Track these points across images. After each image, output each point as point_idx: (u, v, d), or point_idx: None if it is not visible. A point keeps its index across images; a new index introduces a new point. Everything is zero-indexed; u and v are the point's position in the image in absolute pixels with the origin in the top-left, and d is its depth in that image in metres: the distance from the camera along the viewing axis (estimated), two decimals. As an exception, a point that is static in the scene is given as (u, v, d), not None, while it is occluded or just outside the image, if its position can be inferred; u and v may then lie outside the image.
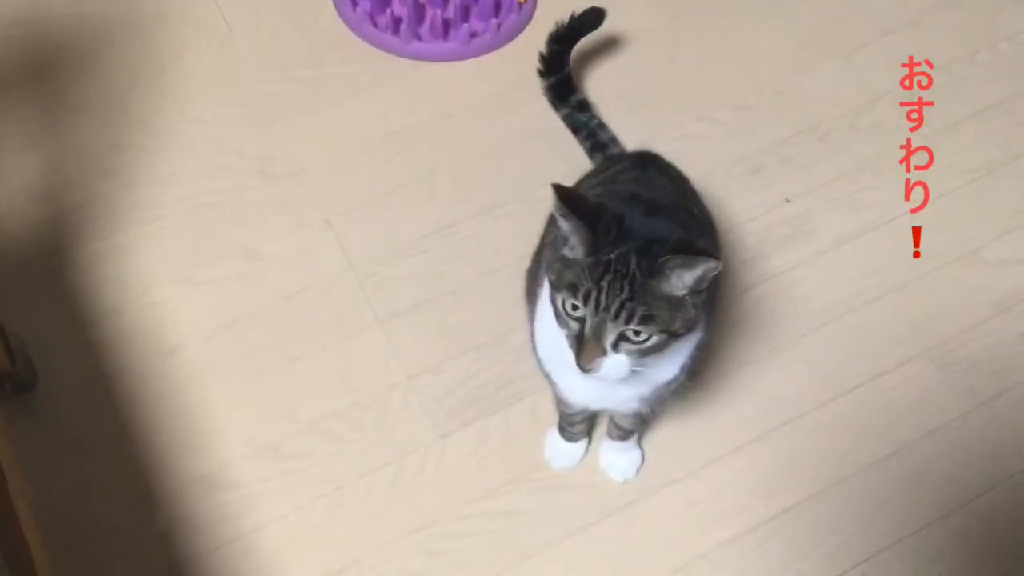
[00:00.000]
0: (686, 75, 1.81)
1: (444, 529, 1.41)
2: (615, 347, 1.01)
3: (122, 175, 1.66)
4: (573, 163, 1.55)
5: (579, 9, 1.60)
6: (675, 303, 1.00)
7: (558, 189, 0.99)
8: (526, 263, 1.37)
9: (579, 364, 1.02)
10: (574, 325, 1.02)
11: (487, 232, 1.63)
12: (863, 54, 1.83)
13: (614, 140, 1.59)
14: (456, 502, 1.43)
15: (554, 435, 1.45)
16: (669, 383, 1.16)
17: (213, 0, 1.84)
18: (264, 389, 1.50)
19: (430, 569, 1.39)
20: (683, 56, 1.83)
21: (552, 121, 1.66)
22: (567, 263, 1.02)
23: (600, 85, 1.75)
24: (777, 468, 1.46)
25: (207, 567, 1.38)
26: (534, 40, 1.66)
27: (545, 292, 1.10)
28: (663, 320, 0.99)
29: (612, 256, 0.99)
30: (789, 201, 1.68)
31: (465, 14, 1.79)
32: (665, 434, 1.48)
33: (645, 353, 1.02)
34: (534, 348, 1.21)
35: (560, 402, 1.34)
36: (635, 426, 1.39)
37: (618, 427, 1.39)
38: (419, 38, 1.80)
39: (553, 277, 1.03)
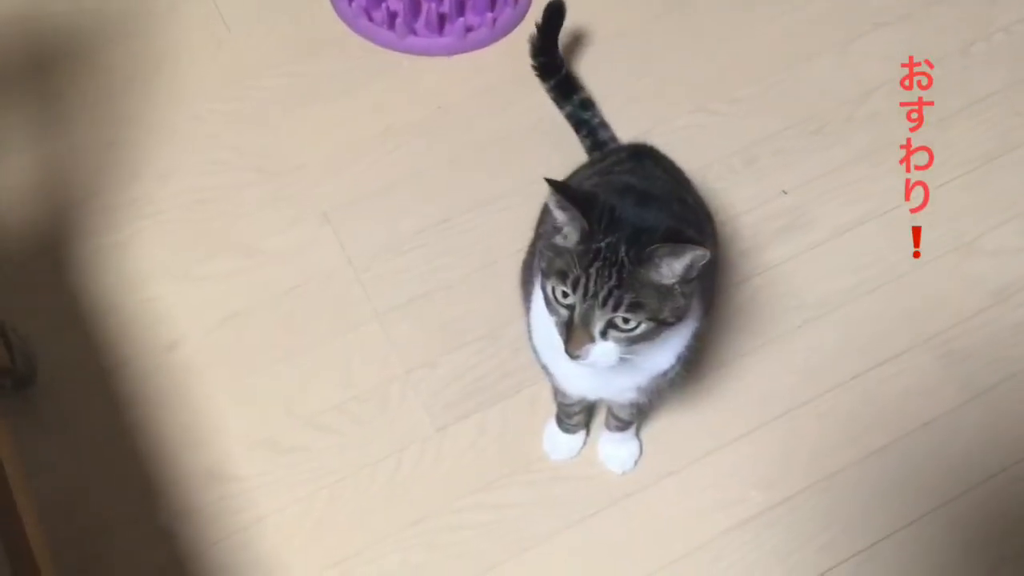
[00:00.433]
0: (682, 68, 1.81)
1: (443, 521, 1.42)
2: (603, 334, 1.01)
3: (120, 171, 1.67)
4: (569, 156, 1.55)
5: (565, 2, 1.59)
6: (664, 291, 1.00)
7: (551, 183, 1.00)
8: (523, 256, 1.37)
9: (567, 351, 1.02)
10: (563, 312, 1.02)
11: (484, 226, 1.63)
12: (859, 46, 1.83)
13: (613, 139, 1.59)
14: (455, 494, 1.43)
15: (552, 427, 1.45)
16: (665, 373, 1.16)
17: (210, -3, 1.85)
18: (263, 383, 1.51)
19: (429, 561, 1.39)
20: (679, 49, 1.83)
21: (548, 115, 1.66)
22: (558, 251, 1.03)
23: (596, 78, 1.75)
24: (775, 458, 1.47)
25: (208, 560, 1.38)
26: (530, 34, 1.66)
27: (539, 282, 1.10)
28: (651, 308, 1.00)
29: (602, 244, 0.99)
30: (786, 192, 1.68)
31: (461, 8, 1.79)
32: (663, 425, 1.49)
33: (634, 341, 1.02)
34: (530, 339, 1.22)
35: (558, 393, 1.35)
36: (633, 417, 1.39)
37: (616, 418, 1.39)
38: (415, 33, 1.80)
39: (544, 264, 1.04)
